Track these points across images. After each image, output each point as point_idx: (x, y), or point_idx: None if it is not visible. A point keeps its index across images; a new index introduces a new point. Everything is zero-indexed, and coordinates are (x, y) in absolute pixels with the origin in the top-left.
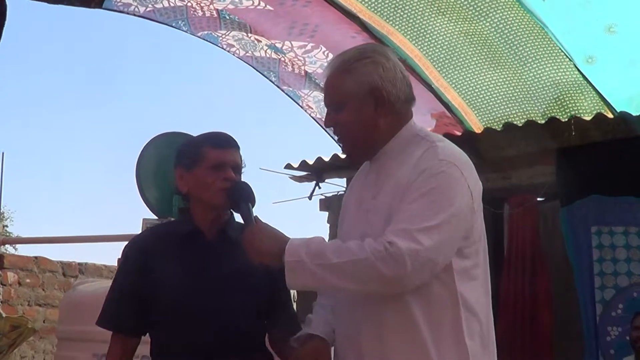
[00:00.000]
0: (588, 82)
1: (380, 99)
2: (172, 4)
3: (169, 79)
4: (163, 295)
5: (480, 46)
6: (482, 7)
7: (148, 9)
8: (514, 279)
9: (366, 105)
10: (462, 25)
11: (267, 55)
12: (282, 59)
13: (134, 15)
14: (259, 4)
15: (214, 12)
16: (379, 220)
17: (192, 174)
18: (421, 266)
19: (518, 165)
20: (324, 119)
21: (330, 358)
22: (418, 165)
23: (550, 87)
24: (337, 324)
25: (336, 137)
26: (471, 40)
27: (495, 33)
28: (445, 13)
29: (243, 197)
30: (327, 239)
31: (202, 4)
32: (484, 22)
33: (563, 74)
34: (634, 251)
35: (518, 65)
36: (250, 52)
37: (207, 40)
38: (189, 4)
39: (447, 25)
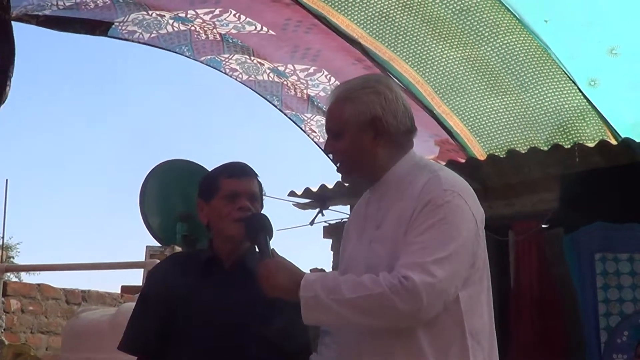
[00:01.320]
0: (592, 105)
1: (380, 128)
2: (175, 29)
3: (173, 105)
4: (181, 322)
5: (482, 72)
6: (483, 32)
7: (152, 35)
8: (522, 306)
9: (365, 134)
10: (463, 51)
11: (270, 79)
12: (285, 82)
13: (139, 42)
14: (262, 29)
15: (218, 36)
16: (383, 250)
17: (210, 205)
18: (436, 299)
19: (522, 192)
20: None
21: None
22: (422, 196)
23: (553, 113)
24: (341, 353)
25: (335, 164)
26: (473, 65)
27: (497, 58)
28: (446, 39)
29: (260, 229)
30: (330, 266)
31: (205, 28)
32: (486, 47)
33: (566, 99)
34: (639, 278)
35: (520, 90)
36: (253, 75)
37: (210, 66)
38: (193, 28)
39: (449, 51)
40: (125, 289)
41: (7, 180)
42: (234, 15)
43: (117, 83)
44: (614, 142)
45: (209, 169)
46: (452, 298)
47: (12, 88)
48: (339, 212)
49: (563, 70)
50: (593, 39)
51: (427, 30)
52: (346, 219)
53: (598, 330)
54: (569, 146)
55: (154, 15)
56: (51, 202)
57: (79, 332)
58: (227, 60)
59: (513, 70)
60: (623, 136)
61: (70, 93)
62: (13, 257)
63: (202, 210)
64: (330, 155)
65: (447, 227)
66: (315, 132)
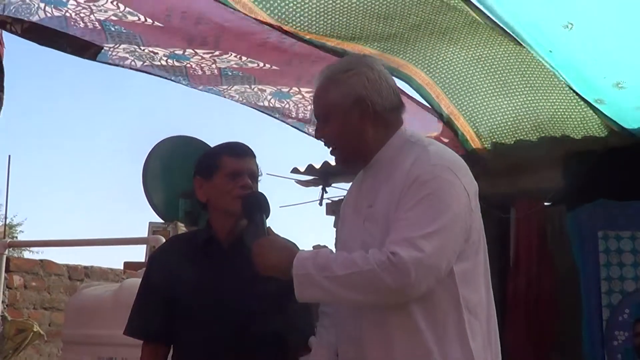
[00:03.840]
0: (598, 114)
1: (365, 109)
2: (170, 64)
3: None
4: (183, 302)
5: (491, 72)
6: (495, 36)
7: (145, 64)
8: (520, 282)
9: (351, 116)
10: (474, 51)
11: (271, 105)
12: (286, 105)
13: (131, 69)
14: (264, 65)
15: (216, 71)
16: (377, 228)
17: (210, 183)
18: (425, 273)
19: (524, 171)
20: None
21: None
22: (411, 172)
23: (557, 119)
24: (340, 331)
25: (328, 149)
26: (483, 66)
27: (507, 59)
28: (457, 42)
29: (257, 208)
30: (333, 243)
31: (202, 65)
32: (497, 48)
33: (573, 108)
34: None
35: (527, 93)
36: (253, 102)
37: (208, 92)
38: (188, 65)
39: (459, 52)
40: (128, 265)
41: (9, 156)
42: (235, 56)
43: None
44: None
45: (212, 146)
46: (444, 272)
47: (16, 63)
48: (342, 189)
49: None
50: (600, 73)
51: (436, 39)
52: None
53: (600, 307)
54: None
55: (146, 51)
56: (54, 179)
57: (81, 308)
58: (226, 90)
59: (522, 73)
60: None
61: (75, 69)
62: (16, 234)
63: (201, 187)
64: (322, 141)
65: (435, 201)
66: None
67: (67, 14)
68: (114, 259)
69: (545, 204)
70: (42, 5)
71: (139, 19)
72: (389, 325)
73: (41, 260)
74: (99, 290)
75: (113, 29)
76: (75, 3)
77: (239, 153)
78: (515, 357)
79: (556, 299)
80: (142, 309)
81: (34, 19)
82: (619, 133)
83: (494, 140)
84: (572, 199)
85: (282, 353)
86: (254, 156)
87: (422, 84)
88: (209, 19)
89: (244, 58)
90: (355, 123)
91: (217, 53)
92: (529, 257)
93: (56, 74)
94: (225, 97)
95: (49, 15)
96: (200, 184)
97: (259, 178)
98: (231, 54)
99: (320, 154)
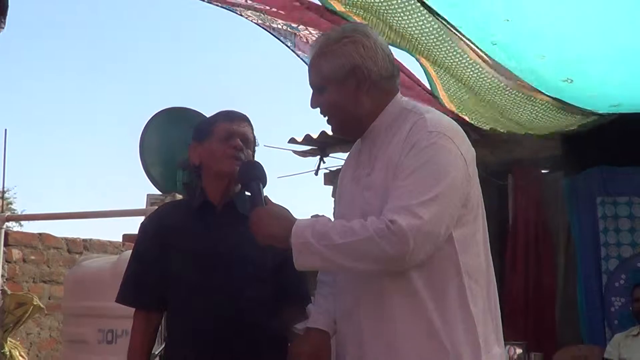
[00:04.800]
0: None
1: (361, 77)
2: None
3: (176, 47)
4: (176, 268)
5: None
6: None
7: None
8: (518, 249)
9: (347, 85)
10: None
11: (284, 28)
12: (298, 34)
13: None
14: (271, 9)
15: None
16: (375, 197)
17: (204, 146)
18: (424, 240)
19: (523, 139)
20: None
21: (330, 352)
22: (408, 139)
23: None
24: (338, 299)
25: (324, 118)
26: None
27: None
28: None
29: (253, 176)
30: (332, 213)
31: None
32: (470, 71)
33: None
34: (637, 221)
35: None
36: (268, 22)
37: (224, 8)
38: None
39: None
40: (127, 238)
41: (5, 130)
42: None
43: (119, 30)
44: None
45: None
46: (443, 239)
47: (12, 35)
48: (339, 159)
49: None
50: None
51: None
52: None
53: (600, 273)
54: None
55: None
56: (51, 152)
57: (81, 281)
58: (241, 10)
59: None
60: None
61: (71, 41)
62: (12, 205)
63: (195, 151)
64: (317, 110)
65: (433, 168)
66: None
67: None
68: (112, 231)
69: (543, 171)
70: None
71: None
72: (388, 294)
73: (40, 234)
74: (98, 263)
75: None
76: None
77: (232, 117)
78: (515, 321)
79: (553, 264)
80: (132, 276)
81: None
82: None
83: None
84: (569, 166)
85: (277, 318)
86: (249, 122)
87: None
88: None
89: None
90: (352, 92)
91: None
92: (527, 224)
93: (55, 41)
94: (241, 14)
95: None
96: (195, 148)
97: (255, 148)
98: None
99: (318, 124)
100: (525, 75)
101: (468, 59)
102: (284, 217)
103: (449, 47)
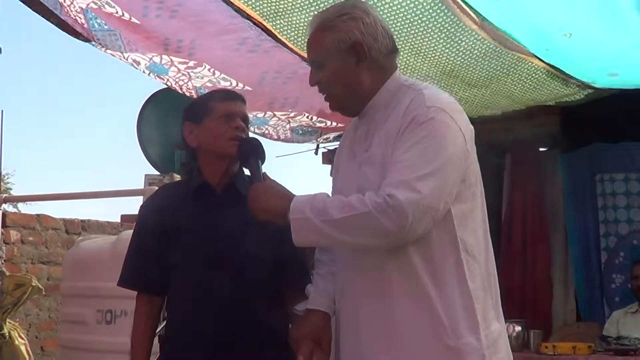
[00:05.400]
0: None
1: (361, 53)
2: (152, 79)
3: None
4: (177, 250)
5: (449, 73)
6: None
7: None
8: (515, 226)
9: (347, 61)
10: (430, 59)
11: (252, 133)
12: (266, 131)
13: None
14: (237, 85)
15: (193, 92)
16: (373, 172)
17: (202, 127)
18: (422, 215)
19: (519, 117)
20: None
21: (330, 332)
22: (406, 115)
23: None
24: (337, 280)
25: (322, 95)
26: (441, 70)
27: (461, 59)
28: (425, 55)
29: (252, 152)
30: (330, 192)
31: (180, 83)
32: (449, 52)
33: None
34: (634, 198)
35: (489, 83)
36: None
37: None
38: (169, 84)
39: (414, 61)
40: (125, 218)
41: (2, 111)
42: (209, 70)
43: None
44: None
45: None
46: (441, 214)
47: (10, 22)
48: (338, 138)
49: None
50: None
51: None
52: None
53: (599, 250)
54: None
55: (129, 60)
56: (49, 133)
57: (79, 261)
58: None
59: (478, 67)
60: None
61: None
62: (10, 188)
63: (192, 132)
64: (316, 87)
65: (431, 143)
66: None
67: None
68: (111, 211)
69: (541, 149)
70: None
71: (117, 12)
72: (386, 270)
73: (38, 215)
74: (96, 243)
75: (96, 24)
76: None
77: (230, 96)
78: (513, 297)
79: (550, 244)
80: (134, 259)
81: None
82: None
83: None
84: (566, 143)
85: (277, 299)
86: (245, 102)
87: None
88: (186, 9)
89: (217, 73)
90: (351, 68)
91: (191, 64)
92: (524, 201)
93: (51, 27)
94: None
95: None
96: (191, 130)
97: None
98: (205, 67)
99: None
100: (524, 33)
101: (463, 25)
102: (282, 193)
103: (443, 15)
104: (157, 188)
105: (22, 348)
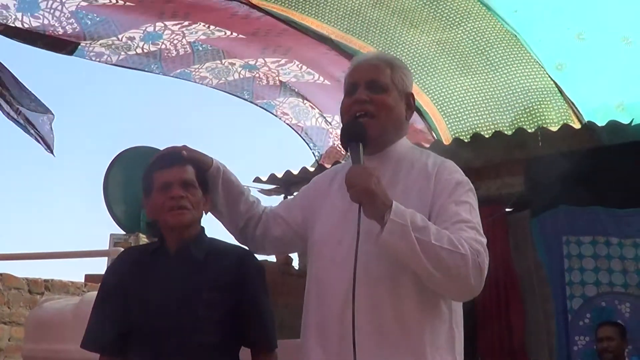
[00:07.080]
0: (558, 88)
1: (411, 105)
2: (145, 50)
3: (142, 105)
4: (134, 314)
5: (452, 54)
6: (454, 17)
7: (121, 57)
8: (487, 290)
9: (401, 102)
10: (434, 35)
11: (241, 77)
12: (256, 74)
13: (106, 63)
14: (232, 34)
15: (188, 48)
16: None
17: (150, 200)
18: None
19: (486, 176)
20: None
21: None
22: (444, 176)
23: (520, 93)
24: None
25: (358, 113)
26: (443, 48)
27: (467, 40)
28: (417, 26)
29: (352, 136)
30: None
31: (174, 42)
32: (456, 30)
33: (533, 80)
34: (602, 260)
35: (489, 71)
36: (223, 78)
37: (179, 78)
38: (163, 47)
39: (420, 36)
40: (89, 278)
41: None
42: (204, 25)
43: (81, 64)
44: (577, 125)
45: None
46: None
47: None
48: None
49: (531, 54)
50: (561, 24)
51: (397, 20)
52: None
53: (566, 312)
54: (533, 130)
55: (123, 39)
56: (12, 190)
57: (42, 322)
58: (197, 70)
59: (482, 51)
60: (587, 120)
61: (36, 80)
62: None
63: (147, 206)
64: (358, 106)
65: (474, 204)
66: (287, 114)
67: (45, 21)
68: (75, 271)
69: (507, 209)
70: (18, 15)
71: (110, 1)
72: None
73: (1, 274)
74: (59, 304)
75: (89, 20)
76: (46, 3)
77: (164, 165)
78: None
79: (522, 305)
80: (97, 321)
81: (10, 24)
82: (587, 127)
83: (455, 119)
84: (533, 205)
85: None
86: (186, 163)
87: None
88: None
89: (212, 27)
90: (402, 109)
91: (186, 24)
92: (495, 264)
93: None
94: (196, 81)
95: (26, 25)
96: (146, 203)
97: (206, 182)
98: (200, 24)
99: (282, 163)
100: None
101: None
102: (382, 184)
103: None
104: (122, 249)
105: None
